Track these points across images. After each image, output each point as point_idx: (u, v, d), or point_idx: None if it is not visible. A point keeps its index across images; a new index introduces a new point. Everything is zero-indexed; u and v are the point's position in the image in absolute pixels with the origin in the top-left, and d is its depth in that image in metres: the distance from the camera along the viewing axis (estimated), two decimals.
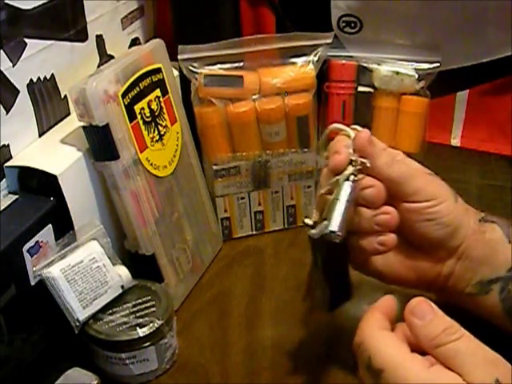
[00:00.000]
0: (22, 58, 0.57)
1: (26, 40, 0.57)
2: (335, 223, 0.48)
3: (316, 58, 0.69)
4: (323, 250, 0.50)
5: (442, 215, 0.50)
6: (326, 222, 0.49)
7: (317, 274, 0.52)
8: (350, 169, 0.49)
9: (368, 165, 0.49)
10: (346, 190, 0.48)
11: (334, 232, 0.48)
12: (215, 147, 0.70)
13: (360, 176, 0.49)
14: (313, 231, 0.50)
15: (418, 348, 0.43)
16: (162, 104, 0.63)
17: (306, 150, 0.72)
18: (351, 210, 0.49)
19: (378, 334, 0.44)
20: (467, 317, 0.44)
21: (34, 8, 0.58)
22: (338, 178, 0.49)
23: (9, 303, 0.52)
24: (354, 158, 0.49)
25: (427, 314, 0.42)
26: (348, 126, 0.52)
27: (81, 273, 0.55)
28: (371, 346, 0.43)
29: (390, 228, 0.50)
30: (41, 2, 0.58)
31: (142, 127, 0.60)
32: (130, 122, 0.59)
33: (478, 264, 0.52)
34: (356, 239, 0.51)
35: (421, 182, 0.50)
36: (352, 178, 0.49)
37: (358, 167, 0.49)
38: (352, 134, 0.51)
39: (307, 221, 0.51)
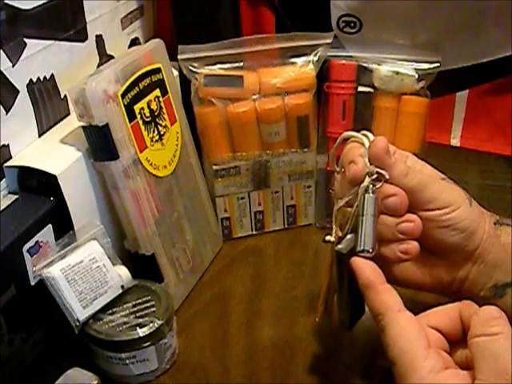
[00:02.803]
0: (21, 58, 0.56)
1: (26, 40, 0.57)
2: (367, 241, 0.47)
3: (316, 58, 0.69)
4: (349, 265, 0.49)
5: (458, 221, 0.50)
6: (349, 237, 0.49)
7: (343, 293, 0.51)
8: (368, 179, 0.48)
9: (387, 177, 0.48)
10: (369, 203, 0.48)
11: (367, 250, 0.47)
12: (215, 147, 0.70)
13: (378, 185, 0.48)
14: (340, 246, 0.49)
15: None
16: (162, 104, 0.63)
17: (305, 149, 0.72)
18: (376, 221, 0.48)
19: (400, 319, 0.44)
20: None
21: (34, 8, 0.58)
22: (355, 190, 0.48)
23: (9, 303, 0.52)
24: (370, 170, 0.48)
25: (488, 314, 0.42)
26: (358, 131, 0.51)
27: (81, 273, 0.55)
28: (391, 333, 0.43)
29: (413, 236, 0.49)
30: (41, 2, 0.58)
31: (142, 127, 0.60)
32: (130, 121, 0.58)
33: (492, 268, 0.52)
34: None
35: (436, 189, 0.50)
36: (371, 188, 0.48)
37: (374, 176, 0.48)
38: (365, 141, 0.49)
39: (329, 238, 0.50)
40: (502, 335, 0.41)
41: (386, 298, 0.46)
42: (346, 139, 0.52)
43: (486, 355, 0.40)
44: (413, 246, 0.50)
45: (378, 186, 0.48)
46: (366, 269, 0.47)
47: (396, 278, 0.53)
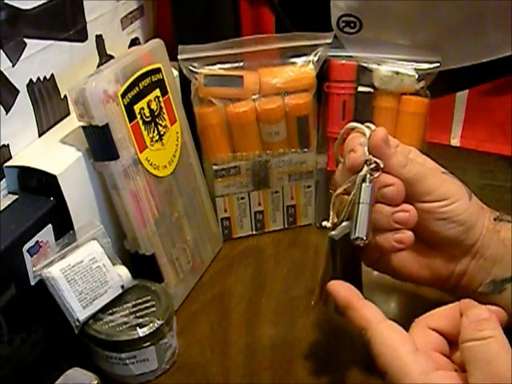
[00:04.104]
0: (21, 58, 0.57)
1: (26, 40, 0.57)
2: (361, 228, 0.48)
3: (316, 58, 0.69)
4: (344, 252, 0.50)
5: (456, 214, 0.50)
6: (345, 224, 0.50)
7: (337, 279, 0.51)
8: (366, 169, 0.49)
9: (382, 165, 0.49)
10: (366, 192, 0.48)
11: (361, 238, 0.48)
12: (215, 147, 0.70)
13: (376, 174, 0.49)
14: (333, 232, 0.50)
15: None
16: (162, 104, 0.63)
17: (305, 150, 0.72)
18: (372, 210, 0.49)
19: (382, 329, 0.44)
20: None
21: (34, 8, 0.58)
22: (354, 178, 0.49)
23: (9, 303, 0.52)
24: (367, 158, 0.49)
25: (477, 316, 0.42)
26: (362, 123, 0.52)
27: (81, 273, 0.55)
28: (376, 343, 0.44)
29: (408, 226, 0.50)
30: (41, 2, 0.58)
31: (142, 127, 0.60)
32: (130, 121, 0.58)
33: (491, 263, 0.52)
34: (372, 236, 0.50)
35: (434, 181, 0.50)
36: (369, 177, 0.48)
37: (373, 166, 0.49)
38: (367, 131, 0.50)
39: (325, 223, 0.51)
40: (493, 339, 0.40)
41: (365, 313, 0.46)
42: (350, 130, 0.53)
43: (477, 360, 0.40)
44: (407, 235, 0.50)
45: (375, 176, 0.49)
46: (340, 290, 0.48)
47: (394, 270, 0.53)
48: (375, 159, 0.49)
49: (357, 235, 0.48)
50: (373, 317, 0.46)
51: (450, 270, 0.53)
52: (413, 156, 0.52)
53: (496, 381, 0.39)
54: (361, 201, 0.48)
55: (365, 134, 0.50)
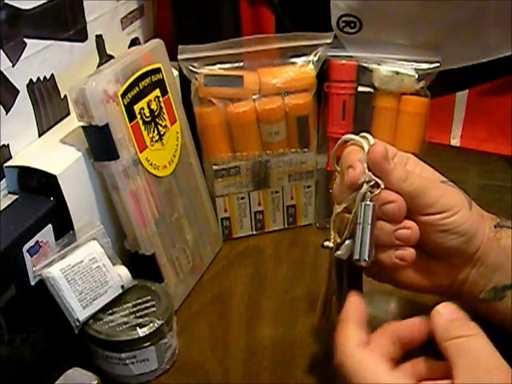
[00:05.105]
0: (21, 58, 0.57)
1: (26, 40, 0.57)
2: (363, 250, 0.47)
3: (316, 58, 0.69)
4: (350, 269, 0.49)
5: (457, 225, 0.49)
6: (347, 242, 0.49)
7: (342, 297, 0.50)
8: (365, 187, 0.47)
9: (382, 186, 0.47)
10: (366, 212, 0.47)
11: (364, 259, 0.47)
12: (215, 147, 0.71)
13: (376, 191, 0.48)
14: (339, 252, 0.49)
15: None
16: (162, 104, 0.63)
17: (305, 150, 0.72)
18: (373, 229, 0.48)
19: (356, 353, 0.43)
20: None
21: (34, 8, 0.58)
22: (353, 195, 0.48)
23: (9, 303, 0.52)
24: (367, 179, 0.47)
25: (451, 314, 0.43)
26: (358, 133, 0.51)
27: (81, 273, 0.55)
28: (351, 367, 0.43)
29: (410, 243, 0.49)
30: (41, 2, 0.58)
31: (142, 127, 0.60)
32: (130, 121, 0.58)
33: (492, 270, 0.51)
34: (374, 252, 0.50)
35: (435, 194, 0.49)
36: (369, 195, 0.47)
37: (373, 183, 0.47)
38: (365, 145, 0.49)
39: (327, 243, 0.50)
40: (478, 335, 0.41)
41: (349, 332, 0.45)
42: (347, 141, 0.52)
43: (466, 356, 0.40)
44: (408, 252, 0.49)
45: (375, 193, 0.48)
46: (349, 306, 0.48)
47: (395, 280, 0.53)
48: (376, 179, 0.47)
49: (359, 257, 0.47)
50: (350, 341, 0.45)
51: (451, 278, 0.52)
52: (411, 166, 0.51)
53: (486, 376, 0.39)
54: (362, 221, 0.47)
55: (363, 148, 0.49)
